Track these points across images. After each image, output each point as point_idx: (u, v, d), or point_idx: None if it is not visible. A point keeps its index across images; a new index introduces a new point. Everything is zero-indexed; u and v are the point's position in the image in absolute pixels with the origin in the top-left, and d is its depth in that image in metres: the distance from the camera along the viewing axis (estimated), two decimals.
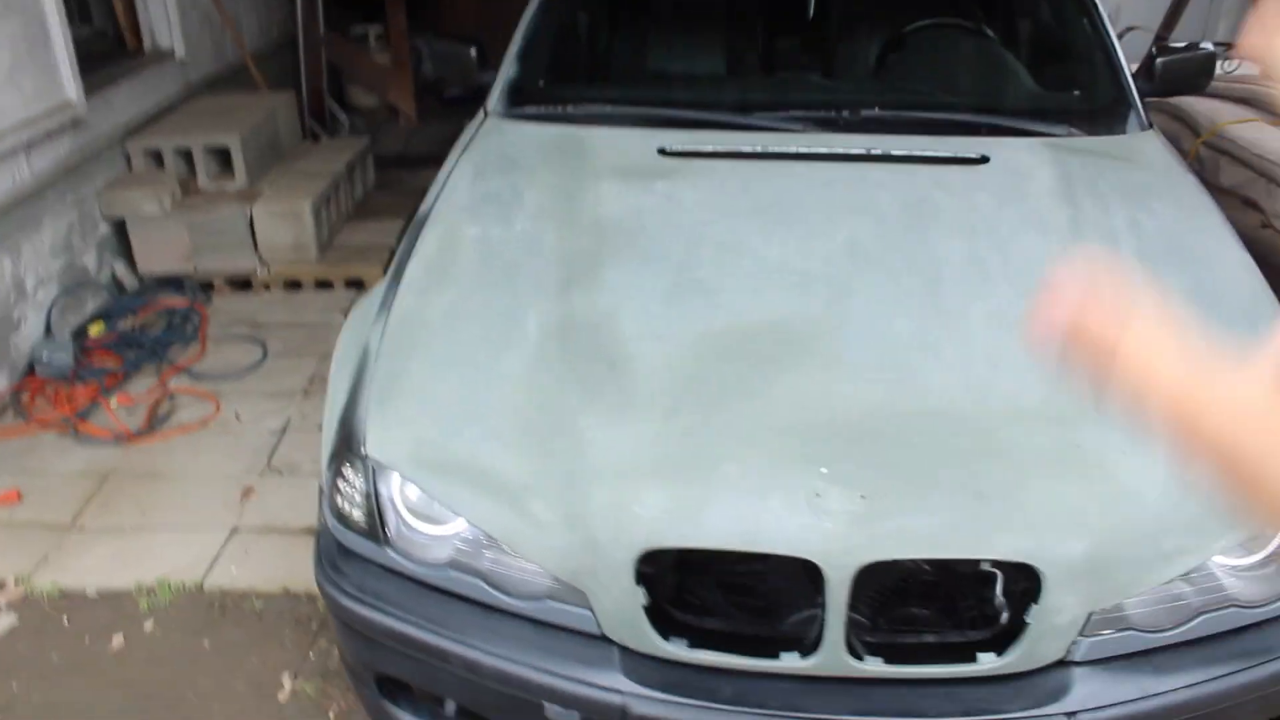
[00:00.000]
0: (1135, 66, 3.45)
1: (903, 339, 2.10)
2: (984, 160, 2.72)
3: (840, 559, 1.71)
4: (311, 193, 5.12)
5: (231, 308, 4.88)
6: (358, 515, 2.05)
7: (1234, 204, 4.95)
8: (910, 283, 2.26)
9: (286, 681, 2.72)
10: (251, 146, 5.24)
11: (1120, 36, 6.13)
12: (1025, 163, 2.73)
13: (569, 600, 1.88)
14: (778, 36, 3.95)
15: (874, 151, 2.77)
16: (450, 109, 7.00)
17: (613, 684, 1.84)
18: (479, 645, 1.92)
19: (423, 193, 2.85)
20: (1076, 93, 3.41)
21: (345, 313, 2.74)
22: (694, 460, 1.86)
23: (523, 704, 1.91)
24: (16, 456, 3.71)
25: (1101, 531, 1.74)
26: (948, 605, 1.90)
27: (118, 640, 2.88)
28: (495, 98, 3.26)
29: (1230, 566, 1.86)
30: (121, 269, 4.95)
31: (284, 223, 5.01)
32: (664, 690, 1.83)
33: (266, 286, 5.06)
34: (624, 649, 1.87)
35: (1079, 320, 0.70)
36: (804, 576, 1.79)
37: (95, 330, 4.48)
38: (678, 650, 1.83)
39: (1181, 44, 3.58)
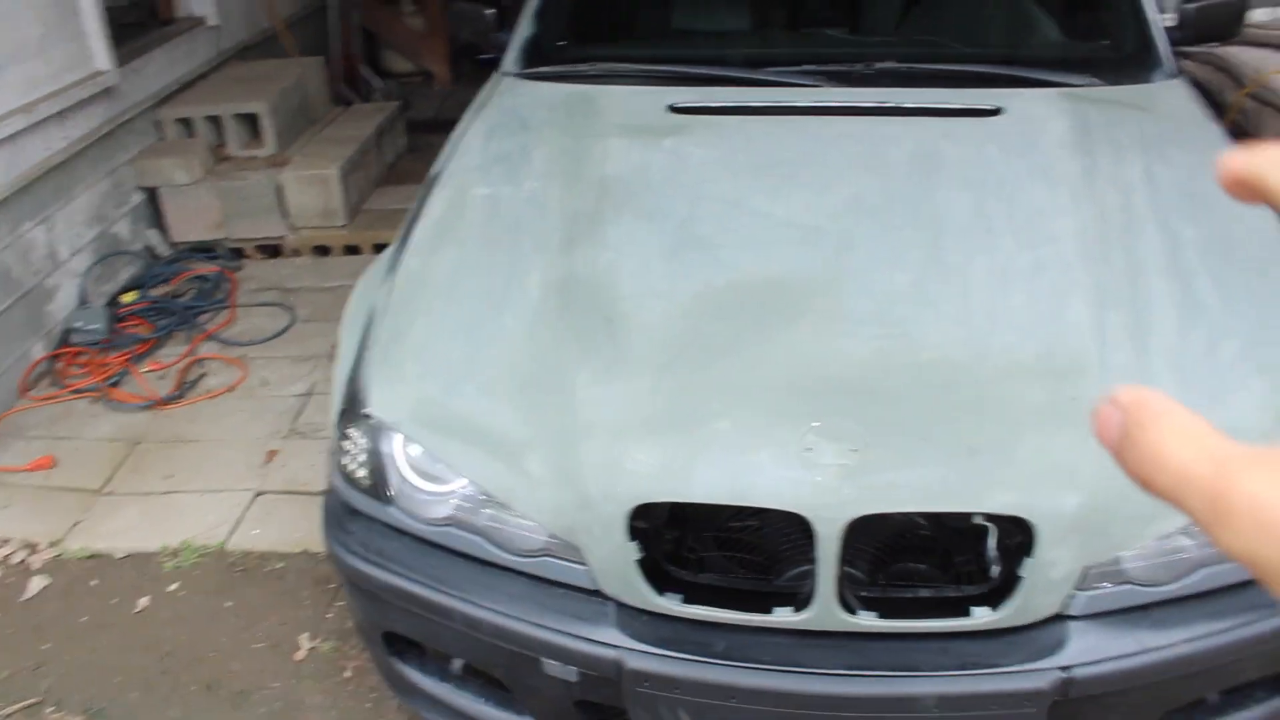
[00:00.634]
0: (1169, 15, 3.37)
1: (902, 293, 2.07)
2: (996, 112, 2.66)
3: (830, 512, 1.70)
4: (340, 158, 5.14)
5: (261, 274, 4.93)
6: (362, 474, 2.07)
7: None
8: (913, 237, 2.23)
9: (304, 641, 2.76)
10: (281, 113, 5.27)
11: None
12: (1040, 114, 2.67)
13: (565, 556, 1.89)
14: None
15: (884, 104, 2.72)
16: (485, 71, 6.98)
17: (608, 639, 1.85)
18: (479, 602, 1.94)
19: None
20: (1102, 42, 3.33)
21: None
22: (686, 416, 1.86)
23: (522, 659, 1.93)
24: (50, 423, 3.79)
25: (1096, 485, 1.72)
26: (943, 560, 1.89)
27: (143, 601, 2.94)
28: (510, 58, 3.25)
29: None
30: (154, 237, 5.01)
31: (312, 188, 5.04)
32: (658, 645, 1.83)
33: (295, 252, 5.10)
34: (619, 604, 1.87)
35: None
36: (798, 530, 1.79)
37: (128, 298, 4.54)
38: (672, 605, 1.83)
39: None
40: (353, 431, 2.09)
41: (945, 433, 1.79)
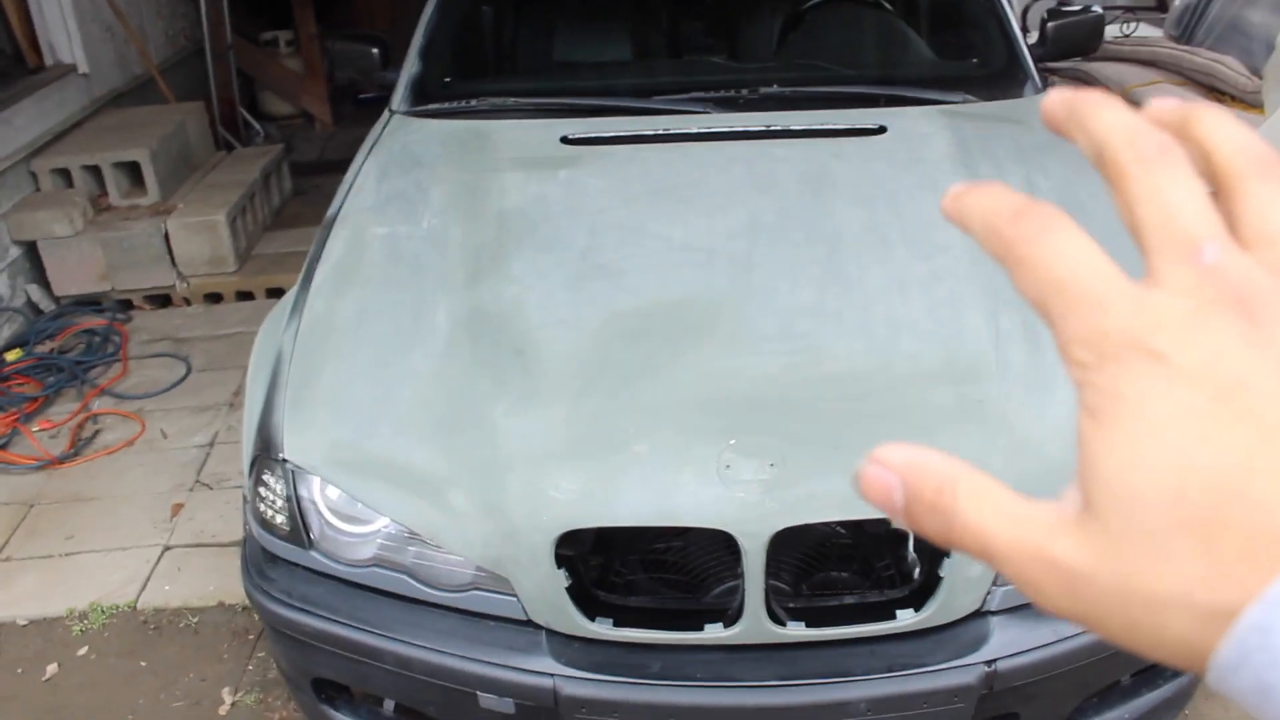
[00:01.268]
0: (1033, 33, 3.53)
1: (805, 308, 2.14)
2: (881, 130, 2.76)
3: (753, 527, 1.75)
4: (226, 204, 5.07)
5: (152, 325, 4.82)
6: (281, 520, 2.06)
7: None
8: (811, 253, 2.30)
9: (226, 695, 2.71)
10: (162, 160, 5.17)
11: (1027, 8, 6.25)
12: (922, 130, 2.78)
13: (494, 588, 1.91)
14: (681, 20, 3.98)
15: (773, 127, 2.81)
16: (366, 111, 6.95)
17: (542, 667, 1.86)
18: (409, 640, 1.94)
19: None
20: (972, 60, 3.47)
21: None
22: (605, 441, 1.89)
23: (457, 695, 1.93)
24: None
25: (1006, 482, 1.79)
26: (865, 566, 1.95)
27: (51, 668, 2.86)
28: (399, 96, 3.26)
29: None
30: (36, 292, 4.87)
31: (200, 235, 4.95)
32: (593, 670, 1.85)
33: (187, 301, 5.01)
34: (551, 632, 1.89)
35: None
36: (722, 548, 1.83)
37: (12, 356, 4.40)
38: (603, 630, 1.86)
39: (1075, 7, 3.67)
40: (268, 478, 2.07)
41: (858, 441, 1.85)
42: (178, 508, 3.44)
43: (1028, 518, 0.34)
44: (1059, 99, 0.38)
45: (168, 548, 3.27)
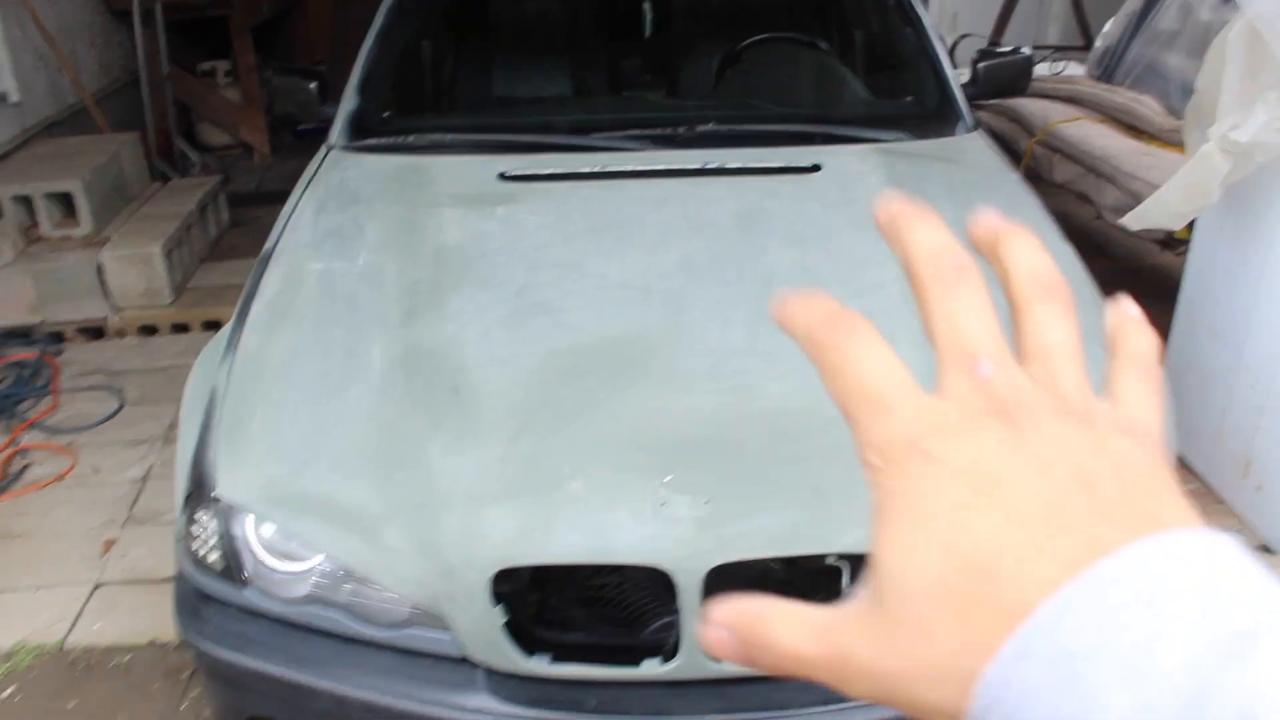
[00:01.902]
0: (964, 70, 3.62)
1: (737, 347, 2.17)
2: (815, 169, 2.81)
3: (689, 564, 1.77)
4: (162, 235, 5.02)
5: (84, 357, 4.75)
6: (214, 558, 2.04)
7: (1069, 198, 5.20)
8: (744, 292, 2.33)
9: None
10: (96, 191, 5.12)
11: (955, 44, 6.40)
12: (855, 169, 2.83)
13: (430, 626, 1.90)
14: (619, 57, 4.02)
15: (709, 165, 2.85)
16: (306, 143, 6.92)
17: (479, 705, 1.86)
18: (344, 678, 1.92)
19: None
20: (906, 99, 3.55)
21: None
22: (540, 479, 1.90)
23: None
24: None
25: None
26: (801, 601, 1.97)
27: None
28: (336, 131, 3.26)
29: None
30: None
31: (134, 267, 4.90)
32: (530, 706, 1.86)
33: (120, 334, 4.94)
34: (489, 670, 1.89)
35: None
36: (659, 584, 1.84)
37: None
38: (541, 666, 1.86)
39: (1005, 49, 3.77)
40: (201, 515, 2.05)
41: (791, 478, 1.88)
42: (109, 544, 3.39)
43: (831, 625, 0.38)
44: (886, 211, 0.44)
45: (99, 585, 3.21)
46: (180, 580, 2.15)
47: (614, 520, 1.82)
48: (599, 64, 4.00)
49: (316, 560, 1.96)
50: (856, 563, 1.86)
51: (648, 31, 3.95)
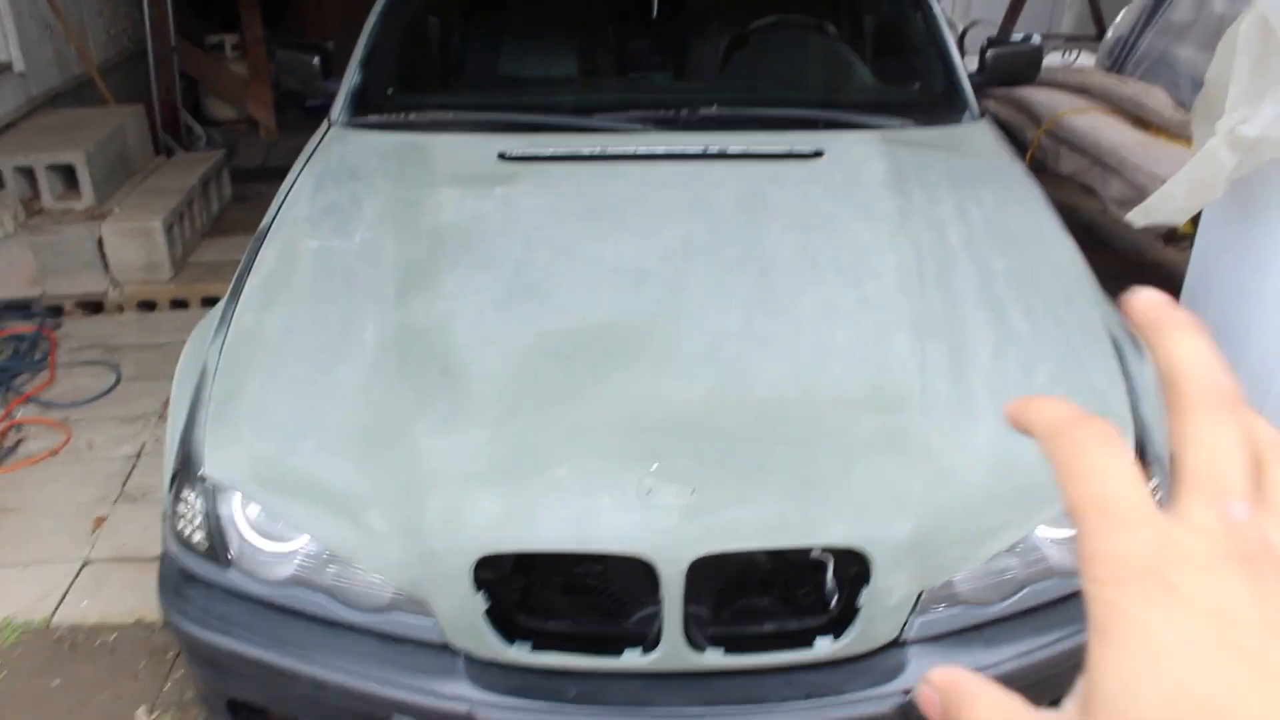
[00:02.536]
0: (972, 58, 3.58)
1: (732, 333, 2.14)
2: (818, 154, 2.78)
3: (672, 554, 1.74)
4: (163, 210, 5.00)
5: (83, 331, 4.74)
6: (199, 537, 2.02)
7: (1074, 190, 5.16)
8: (741, 277, 2.30)
9: (141, 715, 2.65)
10: (99, 163, 5.09)
11: (966, 31, 6.34)
12: (858, 155, 2.80)
13: (412, 610, 1.88)
14: (626, 39, 3.98)
15: (710, 149, 2.81)
16: (313, 118, 6.88)
17: (458, 692, 1.84)
18: (325, 662, 1.90)
19: None
20: (912, 86, 3.51)
21: None
22: (526, 464, 1.87)
23: (372, 718, 1.90)
24: None
25: (926, 511, 1.80)
26: (785, 594, 1.94)
27: None
28: (338, 107, 3.23)
29: (1053, 539, 1.93)
30: None
31: (135, 241, 4.88)
32: (510, 694, 1.83)
33: (119, 308, 4.93)
34: (469, 656, 1.87)
35: None
36: (642, 573, 1.81)
37: None
38: (521, 654, 1.84)
39: (1015, 37, 3.73)
40: (188, 493, 2.03)
41: (780, 468, 1.85)
42: (100, 521, 3.37)
43: None
44: (1144, 304, 0.41)
45: (87, 562, 3.20)
46: (165, 560, 2.13)
47: (598, 509, 1.79)
48: (605, 45, 3.96)
49: (302, 541, 1.93)
50: (841, 556, 1.84)
51: (655, 13, 3.90)
